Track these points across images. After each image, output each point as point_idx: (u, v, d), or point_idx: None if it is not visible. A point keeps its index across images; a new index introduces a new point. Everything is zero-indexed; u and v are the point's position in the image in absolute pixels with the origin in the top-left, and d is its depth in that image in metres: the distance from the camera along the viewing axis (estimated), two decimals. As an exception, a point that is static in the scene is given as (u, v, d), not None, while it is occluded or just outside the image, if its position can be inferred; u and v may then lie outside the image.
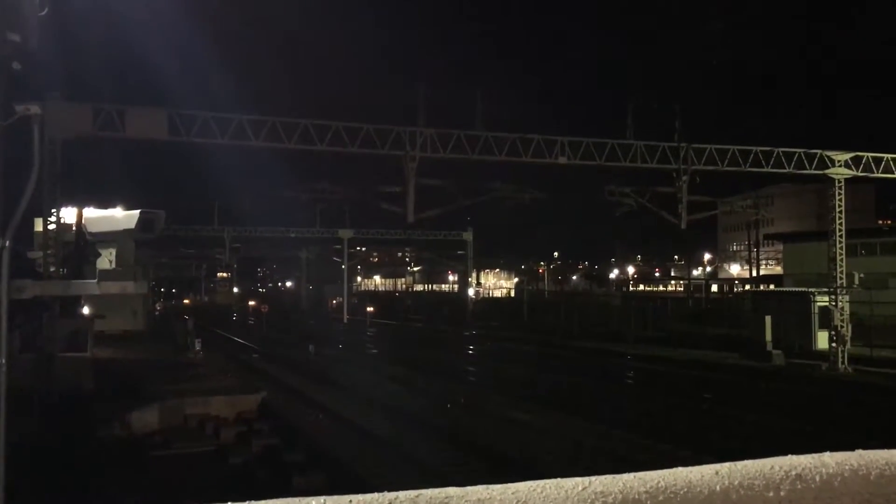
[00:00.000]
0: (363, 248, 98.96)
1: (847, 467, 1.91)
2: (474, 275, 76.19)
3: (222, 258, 76.93)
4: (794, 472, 1.85)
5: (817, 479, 1.85)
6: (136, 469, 12.98)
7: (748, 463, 1.87)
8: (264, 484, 12.42)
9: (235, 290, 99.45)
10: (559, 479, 1.74)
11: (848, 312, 27.30)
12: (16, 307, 9.62)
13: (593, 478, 1.75)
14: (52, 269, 19.45)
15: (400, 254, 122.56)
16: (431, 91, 27.16)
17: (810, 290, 31.76)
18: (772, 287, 49.19)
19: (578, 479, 1.73)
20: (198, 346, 29.63)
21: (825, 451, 2.11)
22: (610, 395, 21.21)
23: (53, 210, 20.25)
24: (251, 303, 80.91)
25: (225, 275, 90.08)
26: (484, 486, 1.73)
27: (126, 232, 25.01)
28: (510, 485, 1.73)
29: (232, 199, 59.53)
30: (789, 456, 1.93)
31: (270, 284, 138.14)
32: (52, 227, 20.16)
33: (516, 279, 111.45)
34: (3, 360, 6.30)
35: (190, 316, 44.56)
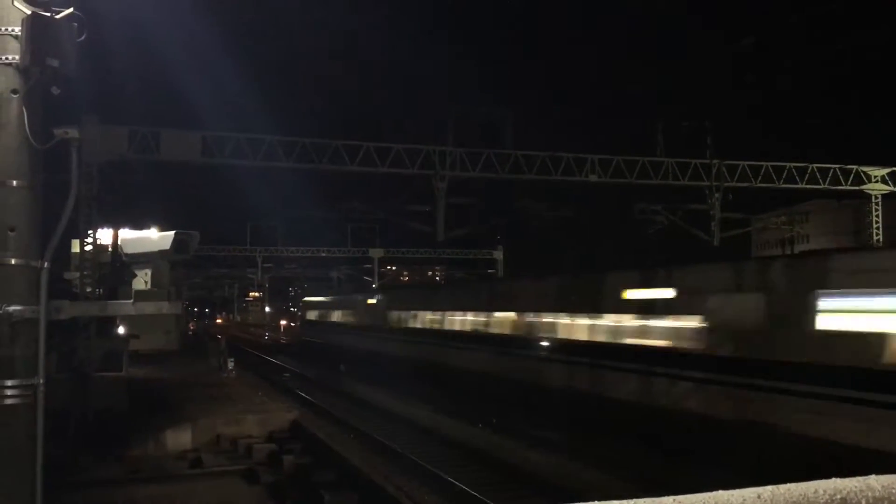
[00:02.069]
0: (393, 267, 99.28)
1: (894, 490, 1.85)
2: (505, 293, 75.75)
3: (254, 278, 77.63)
4: (838, 496, 1.79)
5: (863, 502, 1.79)
6: (169, 488, 13.07)
7: (791, 486, 1.82)
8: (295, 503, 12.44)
9: (267, 309, 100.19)
10: (598, 503, 1.71)
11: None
12: (53, 328, 9.76)
13: (632, 501, 1.72)
14: (88, 289, 19.77)
15: (430, 272, 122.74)
16: (462, 111, 27.28)
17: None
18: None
19: (617, 503, 1.71)
20: (230, 366, 29.85)
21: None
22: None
23: (90, 232, 20.62)
24: (283, 322, 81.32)
25: (257, 294, 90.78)
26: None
27: (161, 253, 25.35)
28: (548, 508, 1.71)
29: (264, 219, 60.07)
30: (833, 479, 1.87)
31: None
32: (88, 248, 20.51)
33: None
34: (42, 380, 6.38)
35: (223, 335, 44.94)
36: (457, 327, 25.67)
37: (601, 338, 17.78)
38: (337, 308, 43.68)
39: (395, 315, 31.62)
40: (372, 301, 35.25)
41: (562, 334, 19.52)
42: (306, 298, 58.11)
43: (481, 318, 24.04)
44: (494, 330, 23.13)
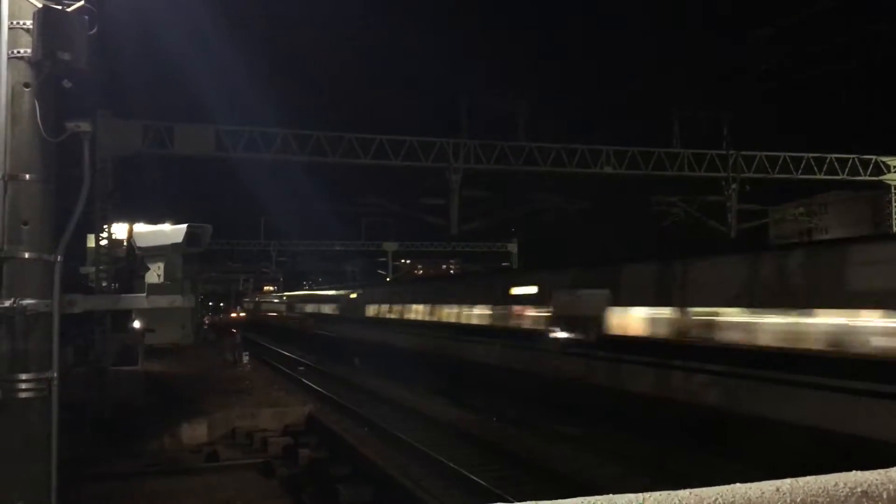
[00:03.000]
0: (407, 261, 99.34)
1: (918, 483, 1.81)
2: (519, 286, 75.53)
3: (269, 272, 77.87)
4: (859, 489, 1.75)
5: (885, 495, 1.75)
6: (184, 481, 13.14)
7: (810, 479, 1.79)
8: (311, 497, 12.46)
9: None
10: (611, 496, 1.67)
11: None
12: (69, 322, 9.81)
13: (647, 494, 1.69)
14: (104, 284, 19.87)
15: (444, 266, 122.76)
16: (474, 103, 27.16)
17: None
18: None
19: (632, 496, 1.67)
20: (245, 359, 29.98)
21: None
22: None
23: (105, 226, 20.71)
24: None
25: (271, 288, 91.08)
26: (533, 503, 1.69)
27: (173, 246, 25.41)
28: (561, 501, 1.68)
29: (278, 213, 60.23)
30: (854, 472, 1.83)
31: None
32: (103, 242, 20.61)
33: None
34: (56, 374, 6.41)
35: (238, 329, 45.13)
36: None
37: None
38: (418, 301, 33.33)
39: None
40: (523, 290, 22.78)
41: None
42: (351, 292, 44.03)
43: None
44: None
